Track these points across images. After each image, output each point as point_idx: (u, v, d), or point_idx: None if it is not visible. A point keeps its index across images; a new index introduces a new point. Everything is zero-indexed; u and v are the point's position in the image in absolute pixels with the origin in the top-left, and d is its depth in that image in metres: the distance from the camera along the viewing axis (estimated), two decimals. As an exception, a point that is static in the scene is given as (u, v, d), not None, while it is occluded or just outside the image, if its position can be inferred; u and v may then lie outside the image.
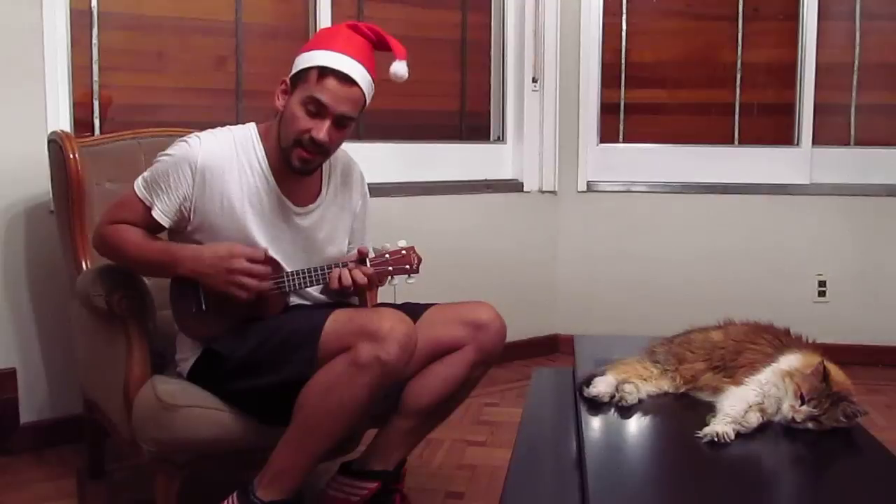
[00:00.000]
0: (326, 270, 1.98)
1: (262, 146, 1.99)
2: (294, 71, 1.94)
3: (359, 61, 1.91)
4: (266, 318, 1.94)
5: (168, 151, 1.95)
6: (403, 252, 2.00)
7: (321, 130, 1.89)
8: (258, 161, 1.98)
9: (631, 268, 3.86)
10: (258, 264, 1.88)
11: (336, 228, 2.10)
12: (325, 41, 1.94)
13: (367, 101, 1.97)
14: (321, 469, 2.08)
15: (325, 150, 1.94)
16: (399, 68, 1.97)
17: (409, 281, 2.01)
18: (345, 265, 1.97)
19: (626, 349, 1.90)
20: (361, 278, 1.96)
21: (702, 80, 3.97)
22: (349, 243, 2.16)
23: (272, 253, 1.97)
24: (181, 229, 1.97)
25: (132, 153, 2.44)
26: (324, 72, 1.89)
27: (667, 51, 3.96)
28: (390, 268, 1.99)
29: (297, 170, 1.96)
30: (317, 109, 1.89)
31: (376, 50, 1.98)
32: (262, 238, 1.97)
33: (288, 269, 1.98)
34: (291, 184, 2.01)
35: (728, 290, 3.72)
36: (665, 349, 1.84)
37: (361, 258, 1.99)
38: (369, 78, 1.94)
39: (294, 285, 1.97)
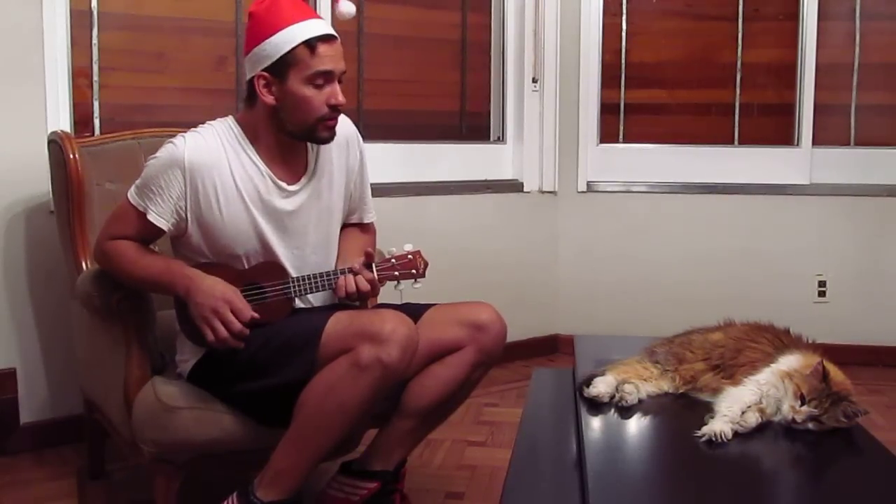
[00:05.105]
0: (334, 277, 1.97)
1: (244, 136, 1.98)
2: (269, 62, 1.91)
3: (318, 17, 1.98)
4: (271, 323, 1.93)
5: (155, 155, 1.94)
6: (410, 257, 2.00)
7: (338, 94, 1.94)
8: (245, 151, 1.97)
9: (631, 268, 3.86)
10: (240, 323, 1.86)
11: (333, 194, 2.09)
12: (277, 20, 1.92)
13: None
14: (321, 469, 2.08)
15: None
16: (344, 5, 2.10)
17: (416, 286, 2.00)
18: (351, 271, 1.97)
19: (626, 349, 1.91)
20: (365, 286, 1.96)
21: (702, 80, 3.96)
22: (354, 210, 2.18)
23: (278, 251, 1.98)
24: (181, 233, 1.96)
25: (132, 153, 2.44)
26: (311, 43, 1.90)
27: (667, 51, 3.96)
28: (396, 273, 1.99)
29: (326, 139, 1.99)
30: (324, 80, 1.92)
31: None
32: (266, 225, 1.97)
33: (293, 271, 1.98)
34: (279, 166, 2.00)
35: (728, 290, 3.72)
36: (665, 349, 1.84)
37: (367, 263, 1.98)
38: None
39: (300, 291, 1.97)
